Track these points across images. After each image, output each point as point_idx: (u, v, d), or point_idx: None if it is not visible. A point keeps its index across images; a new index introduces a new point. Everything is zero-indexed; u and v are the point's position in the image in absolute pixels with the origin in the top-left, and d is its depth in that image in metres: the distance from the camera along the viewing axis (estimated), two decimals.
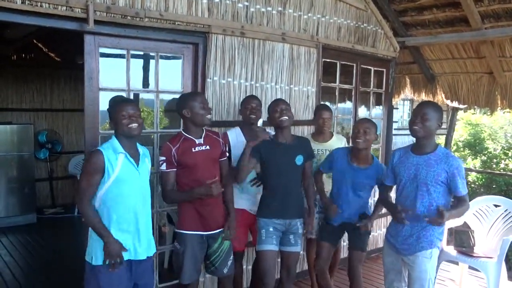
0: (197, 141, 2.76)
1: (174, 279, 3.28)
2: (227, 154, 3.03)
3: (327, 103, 5.80)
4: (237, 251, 3.21)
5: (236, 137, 3.25)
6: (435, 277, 2.80)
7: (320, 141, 3.69)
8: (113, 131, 2.47)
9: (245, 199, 3.25)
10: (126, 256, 2.37)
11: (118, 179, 2.32)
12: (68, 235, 5.62)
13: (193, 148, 2.73)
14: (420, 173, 2.65)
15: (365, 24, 4.74)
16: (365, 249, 3.28)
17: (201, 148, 2.76)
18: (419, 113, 2.62)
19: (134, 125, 2.37)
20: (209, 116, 2.77)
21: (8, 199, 6.06)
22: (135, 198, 2.40)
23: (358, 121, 3.30)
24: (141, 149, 2.53)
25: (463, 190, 2.63)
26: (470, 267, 4.24)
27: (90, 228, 2.39)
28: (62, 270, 4.44)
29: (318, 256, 3.37)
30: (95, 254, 2.33)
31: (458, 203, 2.67)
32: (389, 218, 3.08)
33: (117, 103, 2.45)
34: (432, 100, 6.16)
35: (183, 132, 2.80)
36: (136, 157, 2.45)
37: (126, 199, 2.36)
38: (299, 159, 2.98)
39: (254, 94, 3.74)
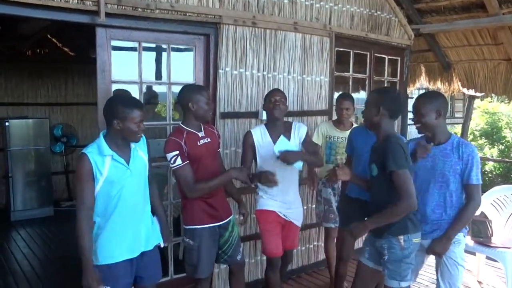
0: (200, 134, 2.74)
1: None
2: (220, 144, 3.06)
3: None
4: (274, 256, 3.07)
5: (261, 137, 3.07)
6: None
7: (340, 129, 3.74)
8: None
9: (276, 201, 3.08)
10: (125, 255, 2.32)
11: (108, 182, 2.23)
12: None
13: (198, 142, 2.70)
14: (437, 164, 2.59)
15: (378, 12, 4.66)
16: None
17: (205, 141, 2.75)
18: (414, 110, 2.60)
19: (140, 134, 2.33)
20: (211, 112, 2.79)
21: (25, 192, 6.18)
22: (129, 197, 2.32)
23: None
24: (133, 143, 2.39)
25: (475, 179, 2.52)
26: (487, 257, 4.18)
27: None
28: (78, 262, 4.49)
29: (342, 245, 3.34)
30: (94, 254, 2.30)
31: (466, 198, 2.58)
32: None
33: (131, 104, 2.28)
34: (447, 88, 6.07)
35: (183, 126, 2.72)
36: (126, 154, 2.33)
37: (119, 200, 2.29)
38: (373, 169, 2.52)
39: (266, 84, 3.73)
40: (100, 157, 2.22)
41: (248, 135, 3.09)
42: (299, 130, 3.13)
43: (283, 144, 3.01)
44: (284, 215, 3.08)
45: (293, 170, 3.08)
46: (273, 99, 3.02)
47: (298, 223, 3.20)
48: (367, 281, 2.65)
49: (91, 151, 2.23)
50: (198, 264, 2.74)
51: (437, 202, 2.61)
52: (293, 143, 3.08)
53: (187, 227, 2.79)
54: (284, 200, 3.07)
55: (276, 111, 3.01)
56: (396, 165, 2.30)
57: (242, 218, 3.14)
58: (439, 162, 2.58)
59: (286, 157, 2.85)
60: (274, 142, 3.04)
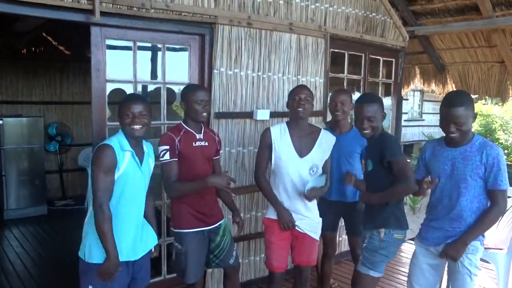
0: (197, 136, 2.69)
1: None
2: (221, 152, 2.91)
3: None
4: (275, 271, 2.87)
5: (280, 135, 2.80)
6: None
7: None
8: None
9: (288, 210, 2.80)
10: (124, 257, 2.28)
11: (122, 177, 2.23)
12: (78, 226, 5.59)
13: (194, 143, 2.67)
14: (457, 168, 2.43)
15: (373, 14, 4.68)
16: None
17: (201, 144, 2.69)
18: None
19: (137, 126, 2.26)
20: (205, 114, 2.66)
21: (19, 191, 6.15)
22: (133, 198, 2.33)
23: (335, 94, 3.34)
24: (146, 147, 2.44)
25: (503, 184, 2.35)
26: (479, 259, 4.20)
27: (86, 226, 2.34)
28: (72, 261, 4.46)
29: (324, 246, 3.49)
30: (89, 251, 2.28)
31: (490, 203, 2.42)
32: None
33: (124, 100, 2.33)
34: (441, 90, 6.12)
35: (183, 124, 2.71)
36: (140, 156, 2.35)
37: (128, 198, 2.29)
38: (369, 164, 2.69)
39: (261, 85, 3.74)
40: (121, 151, 2.23)
41: (266, 133, 2.83)
42: (326, 144, 2.84)
43: (316, 180, 2.71)
44: (296, 225, 2.80)
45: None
46: (297, 97, 2.75)
47: (314, 235, 2.87)
48: None
49: (114, 144, 2.22)
50: (185, 269, 2.70)
51: (458, 209, 2.45)
52: (316, 154, 2.80)
53: (175, 230, 2.73)
54: (297, 210, 2.79)
55: (299, 111, 2.74)
56: (394, 154, 2.51)
57: (236, 228, 2.97)
58: (459, 166, 2.43)
59: (312, 196, 2.72)
60: (294, 145, 2.77)
